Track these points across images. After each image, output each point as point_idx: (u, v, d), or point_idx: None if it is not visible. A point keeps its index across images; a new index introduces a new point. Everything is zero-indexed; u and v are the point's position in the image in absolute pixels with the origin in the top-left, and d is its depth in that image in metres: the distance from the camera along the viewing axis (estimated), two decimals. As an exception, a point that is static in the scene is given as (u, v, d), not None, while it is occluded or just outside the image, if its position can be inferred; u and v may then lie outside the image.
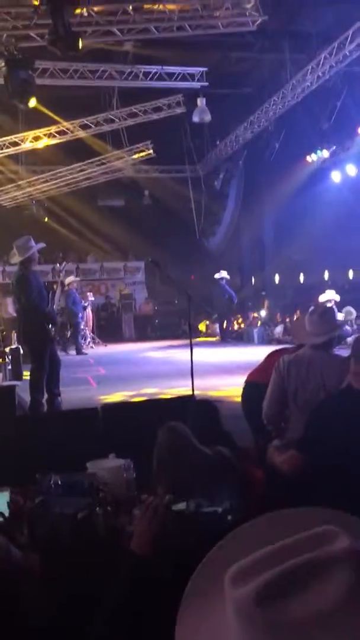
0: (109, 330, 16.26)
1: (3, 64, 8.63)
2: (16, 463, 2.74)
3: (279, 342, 12.48)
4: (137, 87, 11.88)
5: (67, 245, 17.73)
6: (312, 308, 3.48)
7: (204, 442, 2.19)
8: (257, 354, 6.94)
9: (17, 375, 8.77)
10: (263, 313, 15.34)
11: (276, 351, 3.99)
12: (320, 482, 2.13)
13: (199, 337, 15.02)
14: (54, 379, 6.41)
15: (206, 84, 11.79)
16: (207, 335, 15.85)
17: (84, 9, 8.37)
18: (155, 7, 8.80)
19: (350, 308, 11.33)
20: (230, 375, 8.12)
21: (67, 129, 13.28)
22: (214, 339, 15.11)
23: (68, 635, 1.54)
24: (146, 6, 8.74)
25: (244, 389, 4.20)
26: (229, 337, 14.60)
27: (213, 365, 9.70)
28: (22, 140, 13.32)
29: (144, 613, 1.39)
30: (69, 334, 13.59)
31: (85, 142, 14.09)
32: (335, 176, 13.85)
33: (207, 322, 16.28)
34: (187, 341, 6.78)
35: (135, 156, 14.96)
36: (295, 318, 12.57)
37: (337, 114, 12.13)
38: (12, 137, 13.26)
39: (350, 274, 15.13)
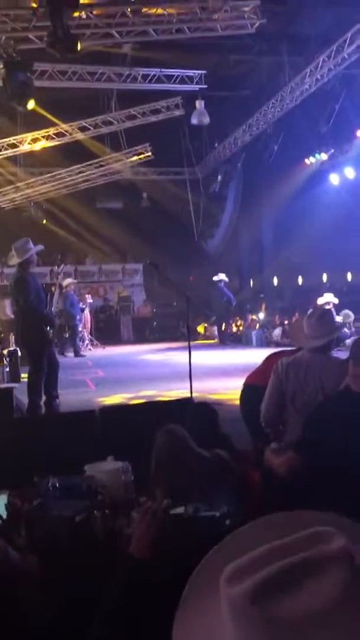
0: (107, 333, 16.26)
1: (2, 66, 8.63)
2: (14, 465, 2.74)
3: (277, 344, 12.48)
4: (135, 90, 11.90)
5: (66, 247, 17.73)
6: (310, 311, 3.48)
7: (202, 445, 2.19)
8: (256, 356, 6.94)
9: (15, 378, 8.76)
10: (261, 315, 15.35)
11: (275, 354, 3.99)
12: (318, 484, 2.13)
13: (198, 339, 15.02)
14: (52, 381, 6.40)
15: (205, 86, 11.81)
16: (205, 337, 15.85)
17: (82, 12, 8.38)
18: (154, 11, 8.82)
19: (348, 311, 11.34)
20: (228, 377, 8.12)
21: (65, 131, 13.29)
22: (212, 341, 15.12)
23: (66, 638, 1.54)
24: (145, 10, 8.76)
25: (243, 391, 4.20)
26: (227, 340, 14.60)
27: (211, 367, 9.69)
28: (20, 142, 13.33)
29: (143, 616, 1.39)
30: (66, 336, 13.59)
31: (83, 144, 14.11)
32: (334, 179, 13.88)
33: (206, 325, 16.29)
34: (185, 343, 6.78)
35: (134, 158, 14.97)
36: (293, 320, 12.58)
37: (335, 117, 12.16)
38: (11, 139, 13.27)
39: (349, 276, 15.16)
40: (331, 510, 0.84)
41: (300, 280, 16.85)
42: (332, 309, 6.40)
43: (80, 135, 13.52)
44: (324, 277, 15.68)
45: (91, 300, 15.50)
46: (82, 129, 13.46)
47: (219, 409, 4.01)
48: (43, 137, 13.29)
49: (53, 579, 1.73)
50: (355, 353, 2.49)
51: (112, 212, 17.43)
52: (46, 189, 15.78)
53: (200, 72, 11.63)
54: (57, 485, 2.25)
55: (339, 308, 10.63)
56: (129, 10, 8.66)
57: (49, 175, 15.46)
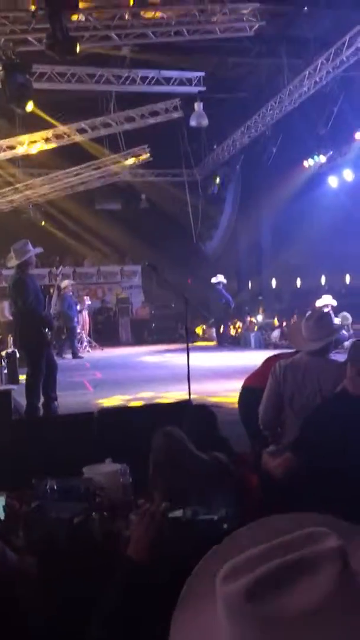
0: (105, 334, 16.26)
1: (1, 68, 8.64)
2: (12, 467, 2.73)
3: (275, 346, 12.50)
4: (134, 92, 11.92)
5: (64, 249, 17.74)
6: (308, 313, 3.49)
7: (201, 448, 2.19)
8: (254, 358, 6.95)
9: (14, 379, 8.75)
10: (260, 317, 15.36)
11: (273, 356, 3.99)
12: (315, 486, 2.13)
13: (196, 341, 15.02)
14: (51, 383, 6.40)
15: (203, 88, 11.83)
16: (203, 339, 15.86)
17: (81, 15, 8.39)
18: (152, 15, 8.85)
19: (346, 313, 11.35)
20: (227, 379, 8.13)
21: (64, 132, 13.30)
22: (211, 343, 15.12)
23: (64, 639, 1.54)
24: (143, 14, 8.78)
25: (241, 393, 4.20)
26: (225, 342, 14.61)
27: (210, 369, 9.69)
28: (19, 144, 13.33)
29: (141, 619, 1.39)
30: (64, 337, 13.58)
31: (82, 146, 14.12)
32: (332, 181, 13.91)
33: (204, 327, 16.30)
34: (183, 345, 6.78)
35: (133, 160, 14.99)
36: (291, 322, 12.59)
37: (334, 119, 12.18)
38: (9, 140, 13.27)
39: (347, 278, 15.18)
40: (329, 513, 0.85)
41: (298, 282, 16.87)
42: (331, 311, 6.40)
43: (79, 137, 13.53)
44: (323, 280, 15.70)
45: (89, 302, 15.50)
46: (81, 131, 13.47)
47: (218, 411, 4.01)
48: (42, 138, 13.29)
49: (51, 581, 1.73)
50: (354, 356, 2.50)
51: (111, 214, 17.44)
52: (45, 191, 15.79)
53: (199, 74, 11.65)
54: (55, 487, 2.25)
55: (337, 310, 10.63)
56: (127, 13, 8.68)
57: (48, 176, 15.46)
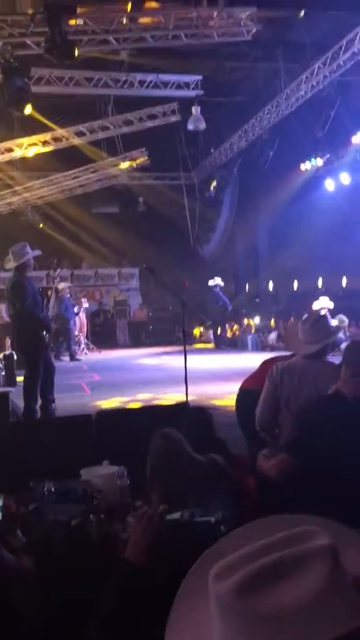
0: (103, 336, 16.25)
1: (-1, 71, 8.67)
2: (10, 470, 2.74)
3: (272, 348, 12.52)
4: (132, 95, 11.95)
5: (62, 251, 17.74)
6: (305, 316, 3.50)
7: (198, 450, 2.20)
8: (251, 360, 6.97)
9: (11, 381, 8.75)
10: (257, 320, 15.38)
11: (270, 359, 4.01)
12: (311, 487, 2.14)
13: (194, 343, 15.03)
14: (48, 385, 6.40)
15: (201, 92, 11.87)
16: (201, 341, 15.87)
17: (80, 19, 8.42)
18: (150, 19, 8.88)
19: (342, 316, 11.37)
20: (224, 382, 8.13)
21: (62, 136, 13.32)
22: (209, 345, 15.13)
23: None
24: (141, 20, 8.82)
25: (238, 396, 4.21)
26: (223, 344, 14.62)
27: (207, 371, 9.70)
28: (18, 147, 13.35)
29: (138, 621, 1.39)
30: (61, 340, 13.57)
31: (80, 149, 14.14)
32: (329, 184, 13.95)
33: (201, 329, 16.31)
34: (181, 347, 6.79)
35: (130, 163, 15.01)
36: (288, 324, 12.62)
37: (330, 123, 12.23)
38: (7, 143, 13.29)
39: (344, 281, 15.22)
40: (325, 514, 0.86)
41: (295, 284, 16.90)
42: (327, 314, 6.42)
43: (77, 140, 13.55)
44: (320, 282, 15.73)
45: (87, 305, 15.49)
46: (79, 134, 13.49)
47: (215, 413, 4.02)
48: (40, 141, 13.31)
49: (48, 583, 1.73)
50: (348, 357, 2.51)
51: (109, 217, 17.46)
52: (43, 194, 15.80)
53: (196, 78, 11.70)
54: (53, 489, 2.26)
55: (334, 312, 10.65)
56: (125, 17, 8.72)
57: (46, 179, 15.48)
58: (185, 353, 6.03)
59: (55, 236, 17.22)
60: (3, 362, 9.04)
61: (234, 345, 14.73)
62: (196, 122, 12.16)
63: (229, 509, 1.81)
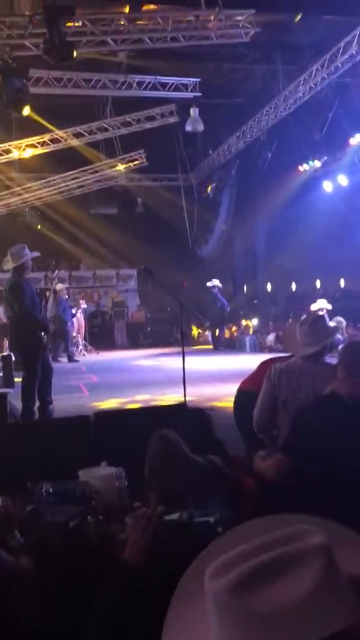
0: (101, 338, 16.24)
1: (-3, 72, 8.66)
2: (8, 471, 2.73)
3: (270, 350, 12.53)
4: (130, 97, 11.96)
5: (60, 252, 17.74)
6: (303, 317, 3.51)
7: (196, 451, 2.20)
8: (249, 362, 6.97)
9: (9, 383, 8.73)
10: (255, 321, 15.40)
11: (269, 360, 4.01)
12: (308, 487, 2.14)
13: (193, 345, 15.03)
14: (46, 386, 6.39)
15: (199, 94, 11.89)
16: (199, 343, 15.87)
17: (79, 22, 8.43)
18: (148, 21, 8.90)
19: (340, 318, 11.38)
20: (222, 383, 8.14)
21: (60, 137, 13.33)
22: (208, 346, 15.13)
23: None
24: (139, 22, 8.84)
25: (236, 397, 4.22)
26: (221, 345, 14.63)
27: (205, 373, 9.71)
28: (16, 148, 13.35)
29: (137, 622, 1.39)
30: (59, 341, 13.56)
31: (78, 151, 14.14)
32: (327, 186, 13.99)
33: (199, 330, 16.32)
34: (179, 349, 6.80)
35: (129, 164, 15.03)
36: (286, 326, 12.62)
37: (328, 124, 12.27)
38: (6, 144, 13.29)
39: (342, 282, 15.25)
40: (323, 514, 0.86)
41: (293, 286, 16.93)
42: (325, 315, 6.42)
43: (75, 142, 13.56)
44: (318, 283, 15.76)
45: (85, 306, 15.49)
46: (77, 135, 13.50)
47: (213, 414, 4.02)
48: (38, 143, 13.32)
49: (46, 585, 1.73)
50: (345, 358, 2.52)
51: (107, 218, 17.47)
52: (41, 195, 15.81)
53: (194, 79, 11.72)
54: (51, 490, 2.25)
55: (332, 314, 10.66)
56: (123, 19, 8.73)
57: (44, 180, 15.49)
58: (183, 354, 6.04)
59: (53, 237, 17.22)
60: (1, 364, 9.03)
61: (232, 346, 14.73)
62: (194, 123, 12.18)
63: (227, 509, 1.82)
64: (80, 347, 14.63)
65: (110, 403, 7.47)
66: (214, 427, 3.37)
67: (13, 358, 8.72)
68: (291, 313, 13.71)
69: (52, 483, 2.28)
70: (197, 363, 10.23)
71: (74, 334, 14.28)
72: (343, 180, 13.39)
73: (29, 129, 12.60)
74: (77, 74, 10.93)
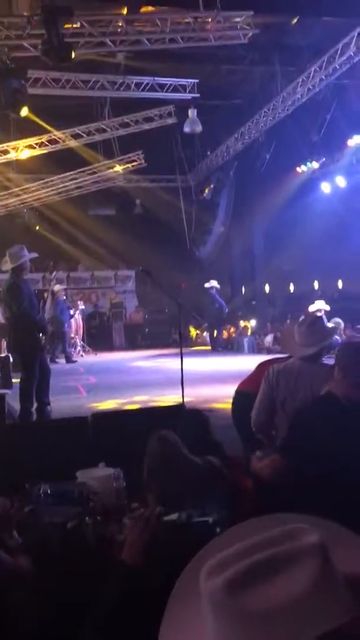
0: (99, 339, 16.23)
1: (-5, 73, 8.66)
2: (6, 472, 2.73)
3: (269, 351, 12.54)
4: (129, 98, 11.97)
5: (58, 253, 17.73)
6: (301, 318, 3.51)
7: (194, 452, 2.20)
8: (247, 363, 6.97)
9: (7, 384, 8.72)
10: (253, 322, 15.40)
11: (267, 361, 4.02)
12: (306, 487, 2.14)
13: (191, 346, 15.02)
14: (44, 387, 6.39)
15: (197, 95, 11.90)
16: (197, 344, 15.87)
17: (77, 24, 8.44)
18: (147, 23, 8.91)
19: (338, 319, 11.40)
20: (220, 384, 8.14)
21: (58, 138, 13.32)
22: (206, 347, 15.13)
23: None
24: (137, 23, 8.85)
25: (234, 398, 4.22)
26: (219, 346, 14.64)
27: (203, 374, 9.71)
28: (14, 149, 13.34)
29: (135, 623, 1.39)
30: (57, 342, 13.55)
31: (77, 152, 14.14)
32: (325, 187, 14.02)
33: (198, 332, 16.32)
34: (177, 350, 6.79)
35: (127, 166, 15.03)
36: (284, 327, 12.64)
37: (326, 126, 12.29)
38: (4, 145, 13.28)
39: (340, 283, 15.27)
40: (319, 515, 0.87)
41: (291, 287, 16.95)
42: (324, 316, 6.44)
43: (73, 143, 13.56)
44: (316, 285, 15.78)
45: (83, 307, 15.48)
46: (75, 136, 13.50)
47: (211, 415, 4.03)
48: (36, 144, 13.32)
49: (45, 585, 1.73)
50: (340, 359, 2.52)
51: (105, 219, 17.47)
52: (39, 196, 15.80)
53: (193, 81, 11.72)
54: (49, 491, 2.25)
55: (330, 315, 10.68)
56: (121, 20, 8.74)
57: (42, 181, 15.48)
58: (181, 355, 6.03)
59: (51, 238, 17.22)
60: (-1, 365, 9.01)
61: (230, 347, 14.73)
62: (192, 124, 12.18)
63: (225, 510, 1.82)
64: (78, 348, 14.62)
65: (108, 404, 7.46)
66: (212, 428, 3.37)
67: (11, 359, 8.72)
68: (289, 314, 13.73)
69: (50, 484, 2.28)
70: (195, 364, 10.23)
71: (72, 335, 14.28)
72: (341, 181, 13.41)
73: (27, 129, 12.59)
74: (75, 75, 10.93)
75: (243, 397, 3.93)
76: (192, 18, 9.02)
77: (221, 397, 6.78)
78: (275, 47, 11.04)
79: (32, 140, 13.20)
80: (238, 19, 9.22)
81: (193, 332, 16.25)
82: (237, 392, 4.20)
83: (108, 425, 3.42)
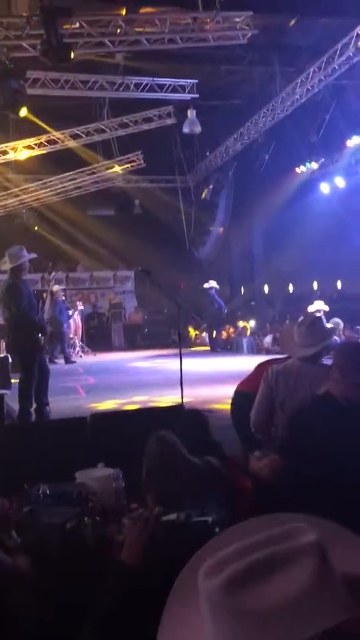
0: (98, 339, 16.23)
1: (-6, 73, 8.66)
2: (5, 472, 2.73)
3: (268, 351, 12.54)
4: (128, 98, 11.97)
5: (57, 254, 17.73)
6: (300, 319, 3.51)
7: (193, 452, 2.20)
8: (247, 363, 6.97)
9: (6, 384, 8.71)
10: (252, 323, 15.41)
11: (266, 361, 4.01)
12: (305, 487, 2.15)
13: (190, 346, 15.02)
14: (43, 388, 6.38)
15: (197, 95, 11.91)
16: (196, 344, 15.87)
17: (76, 24, 8.44)
18: (146, 24, 8.91)
19: (337, 319, 11.41)
20: (219, 384, 8.14)
21: (57, 138, 13.33)
22: (205, 348, 15.13)
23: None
24: (137, 23, 8.85)
25: (233, 398, 4.22)
26: (218, 347, 14.64)
27: (202, 374, 9.70)
28: (13, 149, 13.34)
29: (134, 623, 1.39)
30: (56, 342, 13.54)
31: (76, 152, 14.15)
32: (324, 188, 14.03)
33: (197, 332, 16.32)
34: (176, 350, 6.79)
35: (126, 166, 15.03)
36: (284, 328, 12.65)
37: (325, 126, 12.30)
38: (3, 145, 13.28)
39: (339, 284, 15.28)
40: (317, 514, 0.87)
41: (291, 288, 16.95)
42: (323, 317, 6.44)
43: (72, 143, 13.56)
44: (315, 285, 15.79)
45: (82, 307, 15.48)
46: (75, 137, 13.50)
47: (210, 416, 4.03)
48: (35, 144, 13.32)
49: (44, 586, 1.73)
50: (338, 359, 2.52)
51: (104, 219, 17.47)
52: (38, 196, 15.80)
53: (192, 81, 11.73)
54: (48, 492, 2.25)
55: (329, 316, 10.69)
56: (120, 20, 8.74)
57: (41, 182, 15.48)
58: (180, 356, 6.03)
59: (50, 239, 17.22)
60: (-2, 365, 9.00)
61: (229, 348, 14.73)
62: (192, 125, 12.19)
63: (224, 510, 1.82)
64: (77, 348, 14.61)
65: (107, 404, 7.46)
66: (211, 428, 3.37)
67: (10, 359, 8.71)
68: (288, 315, 13.74)
69: (49, 484, 2.27)
70: (195, 364, 10.23)
71: (71, 336, 14.27)
72: (340, 182, 13.42)
73: (26, 130, 12.59)
74: (74, 76, 10.93)
75: (242, 398, 3.93)
76: (191, 18, 9.03)
77: (220, 397, 6.78)
78: (275, 47, 11.05)
79: (31, 141, 13.20)
80: (237, 20, 9.23)
81: (192, 332, 16.25)
82: (236, 392, 4.20)
83: (107, 425, 3.42)
